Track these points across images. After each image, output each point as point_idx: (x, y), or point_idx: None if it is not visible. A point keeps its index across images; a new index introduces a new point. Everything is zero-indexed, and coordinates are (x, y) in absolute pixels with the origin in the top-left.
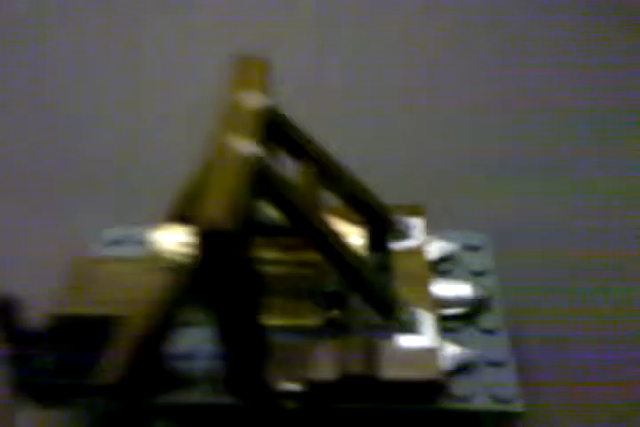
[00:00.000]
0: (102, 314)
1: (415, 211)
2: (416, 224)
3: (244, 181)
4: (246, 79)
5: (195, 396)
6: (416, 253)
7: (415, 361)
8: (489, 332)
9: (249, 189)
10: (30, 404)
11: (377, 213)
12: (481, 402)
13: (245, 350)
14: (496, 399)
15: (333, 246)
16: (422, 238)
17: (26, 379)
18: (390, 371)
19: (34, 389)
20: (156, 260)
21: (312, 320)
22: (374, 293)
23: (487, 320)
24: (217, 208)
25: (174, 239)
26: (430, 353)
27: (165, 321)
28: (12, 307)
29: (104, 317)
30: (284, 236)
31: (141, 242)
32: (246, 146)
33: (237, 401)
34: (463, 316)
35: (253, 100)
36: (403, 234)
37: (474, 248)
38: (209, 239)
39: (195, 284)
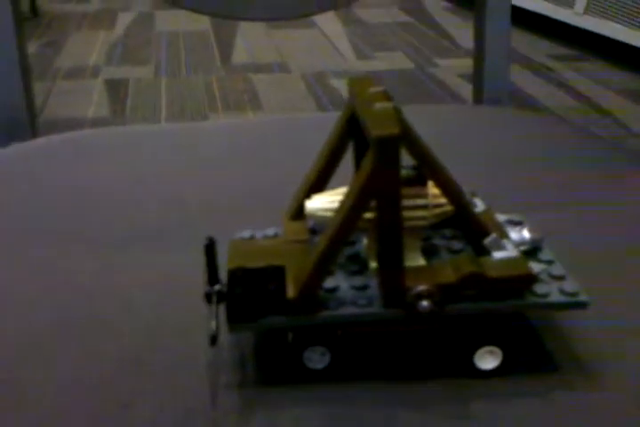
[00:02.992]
0: (268, 265)
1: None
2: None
3: (399, 115)
4: (369, 89)
5: (350, 310)
6: (487, 212)
7: (510, 264)
8: (548, 261)
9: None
10: (226, 327)
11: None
12: (556, 296)
13: (394, 251)
14: (566, 293)
15: (450, 184)
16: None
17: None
18: (494, 271)
19: (230, 309)
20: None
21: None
22: (476, 222)
23: (544, 254)
24: (384, 124)
25: (321, 203)
26: (519, 258)
27: (346, 232)
28: (214, 249)
29: (269, 267)
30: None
31: (272, 234)
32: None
33: (386, 311)
34: (526, 252)
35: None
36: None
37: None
38: (382, 143)
39: (369, 188)
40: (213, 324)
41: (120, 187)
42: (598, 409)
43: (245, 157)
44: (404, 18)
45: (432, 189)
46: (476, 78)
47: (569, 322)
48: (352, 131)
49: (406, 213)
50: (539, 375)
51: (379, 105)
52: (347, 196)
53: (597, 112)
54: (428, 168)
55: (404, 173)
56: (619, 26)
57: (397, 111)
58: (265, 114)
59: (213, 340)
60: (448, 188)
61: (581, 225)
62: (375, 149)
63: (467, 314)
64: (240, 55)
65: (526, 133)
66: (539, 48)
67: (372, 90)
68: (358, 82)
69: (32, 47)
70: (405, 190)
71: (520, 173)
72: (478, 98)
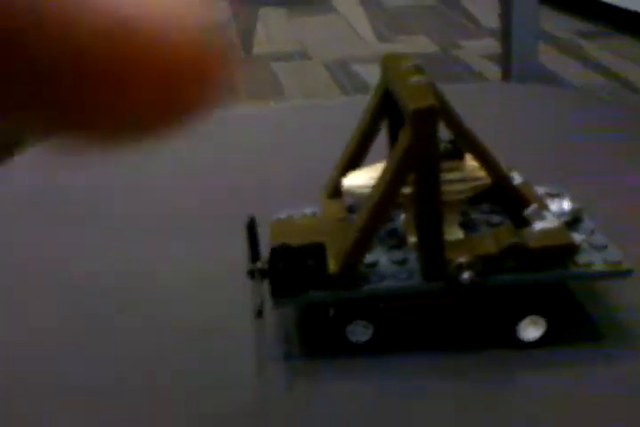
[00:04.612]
0: (308, 242)
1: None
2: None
3: (434, 89)
4: (402, 65)
5: (390, 283)
6: (525, 185)
7: (551, 234)
8: (590, 231)
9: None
10: (270, 302)
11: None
12: (599, 266)
13: (434, 225)
14: (609, 262)
15: (488, 156)
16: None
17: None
18: (535, 241)
19: (273, 285)
20: (339, 206)
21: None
22: (515, 193)
23: (585, 224)
24: (420, 97)
25: (358, 180)
26: (561, 228)
27: (386, 207)
28: (255, 227)
29: (310, 243)
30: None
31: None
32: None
33: (427, 283)
34: (567, 223)
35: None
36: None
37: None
38: (420, 115)
39: (407, 161)
40: (258, 299)
41: (163, 176)
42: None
43: (276, 143)
44: (424, 0)
45: (469, 162)
46: (504, 57)
47: (613, 292)
48: (386, 107)
49: (444, 187)
50: (581, 346)
51: (414, 79)
52: (385, 171)
53: (626, 88)
54: (465, 141)
55: (441, 146)
56: None
57: (433, 84)
58: (288, 102)
59: (259, 313)
60: (486, 160)
61: (621, 195)
62: (413, 122)
63: (509, 285)
64: (261, 44)
65: (557, 108)
66: (564, 25)
67: (406, 65)
68: (392, 58)
69: None
70: (443, 164)
71: (555, 146)
72: (507, 77)
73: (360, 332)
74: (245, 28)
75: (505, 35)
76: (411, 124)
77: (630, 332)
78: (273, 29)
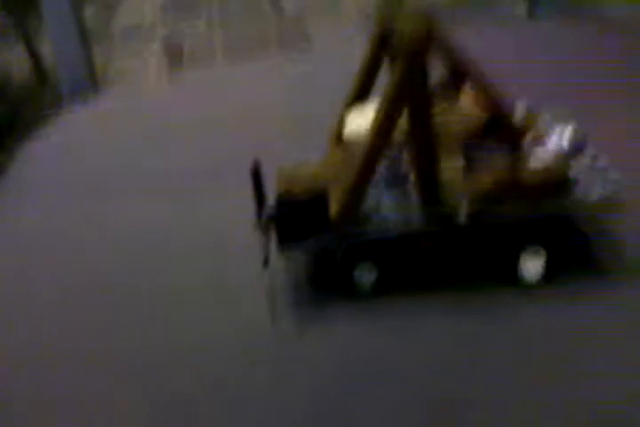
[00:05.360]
0: (312, 188)
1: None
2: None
3: (431, 22)
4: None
5: (391, 225)
6: (531, 115)
7: (547, 167)
8: (592, 156)
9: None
10: (277, 247)
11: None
12: (599, 193)
13: (430, 163)
14: (607, 190)
15: (486, 89)
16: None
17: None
18: (531, 174)
19: (278, 231)
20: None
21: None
22: (512, 124)
23: (588, 150)
24: (413, 28)
25: (358, 127)
26: (557, 162)
27: (381, 146)
28: (260, 174)
29: (313, 190)
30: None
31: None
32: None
33: (426, 224)
34: (569, 151)
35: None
36: None
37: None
38: (411, 53)
39: (400, 92)
40: (265, 248)
41: (189, 125)
42: None
43: (295, 87)
44: None
45: (467, 100)
46: None
47: (618, 226)
48: (386, 43)
49: (441, 124)
50: (585, 280)
51: (408, 12)
52: (379, 105)
53: None
54: (463, 74)
55: (438, 80)
56: None
57: (430, 18)
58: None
59: (266, 261)
60: (484, 93)
61: (626, 122)
62: (403, 59)
63: (507, 219)
64: (290, 2)
65: (578, 44)
66: None
67: (407, 6)
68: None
69: (88, 12)
70: (440, 99)
71: (568, 76)
72: (532, 14)
73: (366, 274)
74: None
75: None
76: (402, 54)
77: (634, 263)
78: None
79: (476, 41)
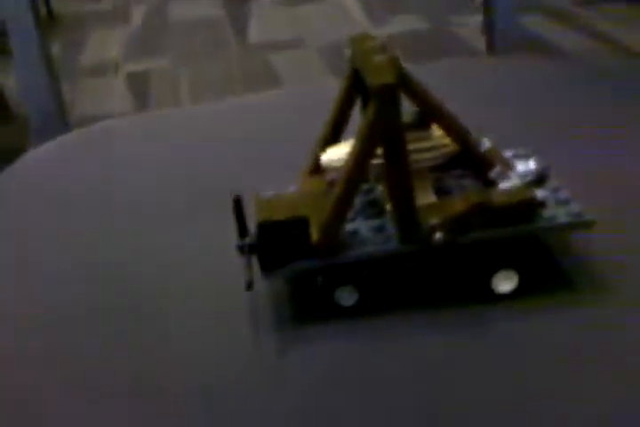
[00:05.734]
0: (292, 215)
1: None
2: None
3: (397, 65)
4: (368, 44)
5: (370, 248)
6: (493, 149)
7: (515, 192)
8: (554, 188)
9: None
10: (260, 273)
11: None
12: (563, 218)
13: (405, 191)
14: (572, 214)
15: (454, 124)
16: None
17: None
18: (500, 199)
19: (261, 258)
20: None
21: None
22: (481, 157)
23: (550, 182)
24: (382, 73)
25: (334, 155)
26: (524, 186)
27: (359, 177)
28: (242, 205)
29: (294, 217)
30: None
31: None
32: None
33: (403, 246)
34: (533, 182)
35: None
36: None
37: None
38: (380, 92)
39: (373, 134)
40: (248, 272)
41: (152, 164)
42: (613, 325)
43: (266, 130)
44: None
45: (436, 131)
46: (487, 28)
47: (583, 244)
48: (357, 85)
49: (413, 156)
50: (554, 295)
51: (376, 57)
52: (354, 145)
53: (626, 53)
54: (431, 112)
55: (408, 118)
56: None
57: (395, 61)
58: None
59: (249, 285)
60: (452, 128)
61: (589, 157)
62: (375, 97)
63: (480, 241)
64: (255, 36)
65: (538, 77)
66: None
67: (372, 44)
68: (359, 39)
69: (53, 49)
70: (410, 134)
71: (530, 113)
72: (491, 48)
73: (346, 297)
74: (239, 23)
75: (487, 5)
76: (374, 100)
77: (602, 279)
78: (267, 21)
79: (438, 81)
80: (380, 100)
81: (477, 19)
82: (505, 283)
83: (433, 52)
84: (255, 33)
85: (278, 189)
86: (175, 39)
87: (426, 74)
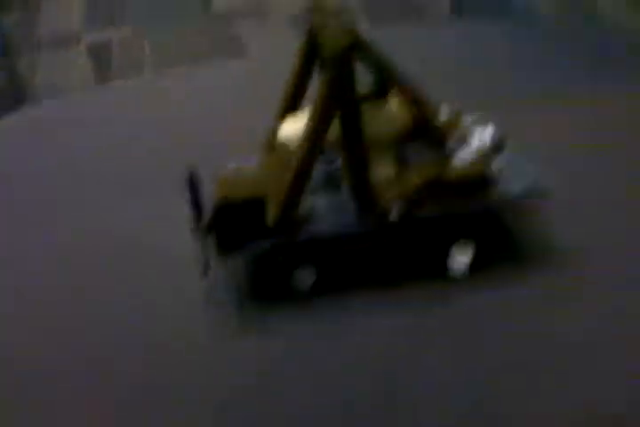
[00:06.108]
0: (249, 194)
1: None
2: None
3: (353, 30)
4: (326, 9)
5: (327, 225)
6: (454, 117)
7: (470, 165)
8: (513, 158)
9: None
10: (215, 255)
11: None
12: (519, 190)
13: (360, 163)
14: (528, 186)
15: (412, 93)
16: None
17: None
18: (455, 172)
19: (216, 239)
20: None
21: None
22: (437, 128)
23: (508, 150)
24: (336, 38)
25: (291, 130)
26: (479, 159)
27: (314, 151)
28: (196, 182)
29: (250, 196)
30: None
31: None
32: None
33: (360, 223)
34: (490, 150)
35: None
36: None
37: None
38: (334, 55)
39: (328, 99)
40: (203, 255)
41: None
42: (571, 295)
43: (227, 100)
44: None
45: (395, 102)
46: None
47: (542, 218)
48: (315, 50)
49: (371, 128)
50: (512, 267)
51: (332, 22)
52: (310, 115)
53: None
54: (388, 80)
55: (366, 88)
56: None
57: (351, 25)
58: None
59: (205, 269)
60: (409, 97)
61: (549, 125)
62: (328, 60)
63: (437, 216)
64: (220, 3)
65: (497, 42)
66: None
67: (330, 9)
68: (318, 4)
69: (10, 19)
70: (369, 106)
71: (489, 77)
72: (455, 10)
73: (305, 278)
74: None
75: None
76: (326, 64)
77: (559, 251)
78: None
79: (400, 43)
80: (332, 66)
81: None
82: (461, 257)
83: (398, 14)
84: (220, 1)
85: (241, 162)
86: (137, 8)
87: (387, 38)
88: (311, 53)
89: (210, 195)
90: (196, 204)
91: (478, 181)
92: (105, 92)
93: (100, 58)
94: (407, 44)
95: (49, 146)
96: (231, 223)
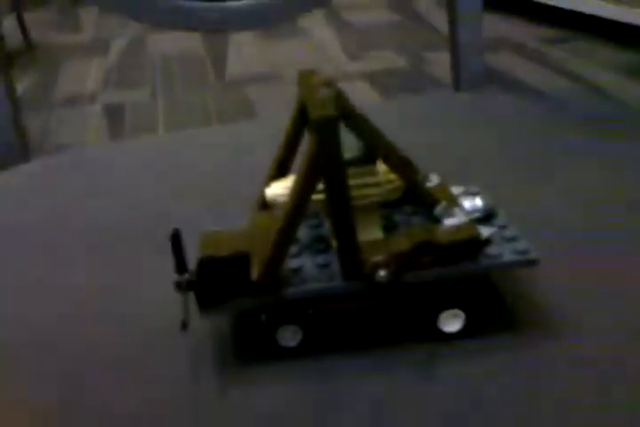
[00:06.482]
0: (234, 251)
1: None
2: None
3: (341, 99)
4: (314, 80)
5: (312, 285)
6: (441, 185)
7: (460, 230)
8: (501, 226)
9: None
10: (196, 310)
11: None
12: (508, 256)
13: (347, 226)
14: (518, 253)
15: (399, 160)
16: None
17: (191, 287)
18: (445, 237)
19: (198, 294)
20: (265, 212)
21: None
22: (426, 194)
23: (498, 220)
24: (322, 107)
25: (279, 190)
26: (468, 224)
27: (299, 212)
28: (180, 240)
29: (235, 253)
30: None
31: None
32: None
33: (347, 284)
34: (479, 220)
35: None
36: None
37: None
38: (319, 125)
39: (314, 167)
40: (185, 310)
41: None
42: (559, 364)
43: (224, 163)
44: (393, 17)
45: (383, 167)
46: (454, 67)
47: (531, 282)
48: (304, 119)
49: (359, 191)
50: (501, 335)
51: (320, 91)
52: (295, 179)
53: (592, 90)
54: (376, 147)
55: (354, 153)
56: (605, 3)
57: (338, 95)
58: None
59: (184, 325)
60: (397, 164)
61: (546, 195)
62: (314, 130)
63: (425, 281)
64: (233, 69)
65: (497, 113)
66: (530, 34)
67: (317, 79)
68: (306, 75)
69: (30, 78)
70: (356, 169)
71: (487, 149)
72: (457, 84)
73: (289, 336)
74: (217, 57)
75: (453, 45)
76: (313, 133)
77: (548, 319)
78: (245, 56)
79: (399, 113)
80: (319, 132)
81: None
82: (451, 322)
83: (406, 89)
84: (233, 67)
85: (230, 224)
86: (153, 72)
87: (388, 110)
88: (301, 120)
89: (196, 252)
90: (180, 260)
91: (468, 246)
92: (116, 150)
93: (114, 118)
94: (409, 113)
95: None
96: (215, 279)
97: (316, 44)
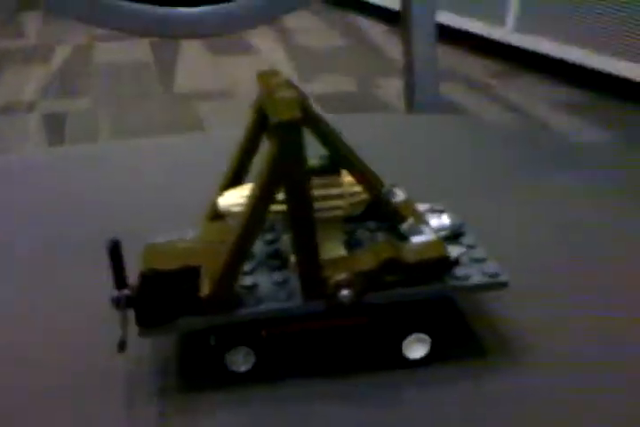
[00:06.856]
0: (181, 266)
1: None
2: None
3: (304, 103)
4: (274, 81)
5: (267, 305)
6: (407, 202)
7: (427, 248)
8: (470, 245)
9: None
10: (137, 330)
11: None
12: (477, 278)
13: (308, 240)
14: (486, 274)
15: (365, 172)
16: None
17: (131, 305)
18: (412, 255)
19: (138, 312)
20: (219, 223)
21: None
22: (392, 209)
23: (466, 239)
24: (284, 110)
25: (233, 199)
26: (437, 242)
27: (256, 224)
28: (119, 251)
29: (182, 268)
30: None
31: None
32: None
33: (307, 304)
34: (446, 238)
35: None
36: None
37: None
38: (282, 128)
39: (274, 174)
40: (122, 329)
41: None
42: (526, 393)
43: (170, 172)
44: (344, 41)
45: (347, 179)
46: (407, 91)
47: (498, 305)
48: (262, 123)
49: (321, 204)
50: (467, 361)
51: (280, 93)
52: (254, 185)
53: (532, 121)
54: (340, 156)
55: (316, 162)
56: (547, 42)
57: (303, 99)
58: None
59: (122, 346)
60: (363, 176)
61: (505, 212)
62: (276, 134)
63: (390, 302)
64: (182, 83)
65: (449, 135)
66: (477, 67)
67: (276, 81)
68: (265, 76)
69: None
70: (318, 180)
71: (443, 167)
72: (409, 109)
73: (241, 360)
74: (166, 68)
75: (407, 71)
76: (274, 137)
77: (515, 345)
78: (195, 69)
79: (354, 131)
80: (281, 135)
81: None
82: (417, 348)
83: (357, 111)
84: (182, 80)
85: (177, 236)
86: (97, 81)
87: (343, 123)
88: (259, 125)
89: (137, 266)
90: (119, 273)
91: (436, 265)
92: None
93: (54, 128)
94: (362, 130)
95: None
96: (159, 295)
97: (269, 65)
